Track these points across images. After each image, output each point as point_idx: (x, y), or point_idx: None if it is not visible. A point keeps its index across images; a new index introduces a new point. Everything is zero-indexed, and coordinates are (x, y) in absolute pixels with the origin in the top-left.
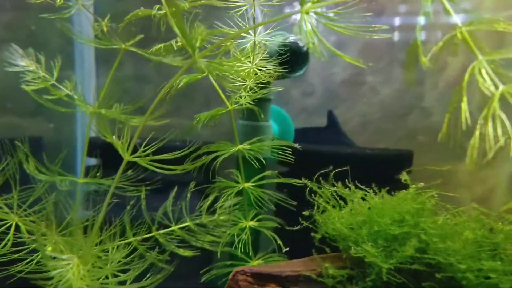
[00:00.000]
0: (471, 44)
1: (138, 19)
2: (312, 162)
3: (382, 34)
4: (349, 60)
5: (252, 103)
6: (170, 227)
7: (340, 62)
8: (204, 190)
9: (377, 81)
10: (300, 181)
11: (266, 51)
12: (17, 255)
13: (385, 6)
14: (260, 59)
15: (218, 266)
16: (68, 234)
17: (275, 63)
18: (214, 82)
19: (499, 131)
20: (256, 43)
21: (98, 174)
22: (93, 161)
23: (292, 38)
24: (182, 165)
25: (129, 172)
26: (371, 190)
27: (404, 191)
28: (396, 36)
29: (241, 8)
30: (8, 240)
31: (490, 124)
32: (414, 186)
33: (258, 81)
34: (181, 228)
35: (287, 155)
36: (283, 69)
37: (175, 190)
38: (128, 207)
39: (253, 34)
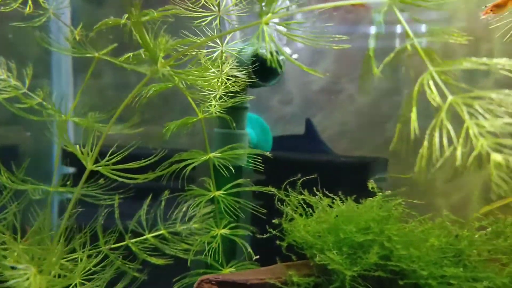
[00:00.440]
0: (422, 55)
1: (117, 27)
2: (289, 170)
3: (342, 44)
4: (307, 70)
5: (227, 111)
6: (144, 235)
7: (319, 70)
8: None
9: (355, 89)
10: (268, 189)
11: (236, 60)
12: None
13: (362, 15)
14: (231, 68)
15: (192, 275)
16: (36, 243)
17: (246, 72)
18: (185, 91)
19: (445, 141)
20: (224, 52)
21: (68, 182)
22: (71, 170)
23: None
24: (156, 172)
25: (101, 180)
26: (338, 198)
27: (371, 198)
28: (372, 44)
29: (207, 18)
30: None
31: (437, 134)
32: (380, 193)
33: (229, 90)
34: (155, 236)
35: (258, 163)
36: (254, 78)
37: (149, 198)
38: (102, 215)
39: (220, 44)
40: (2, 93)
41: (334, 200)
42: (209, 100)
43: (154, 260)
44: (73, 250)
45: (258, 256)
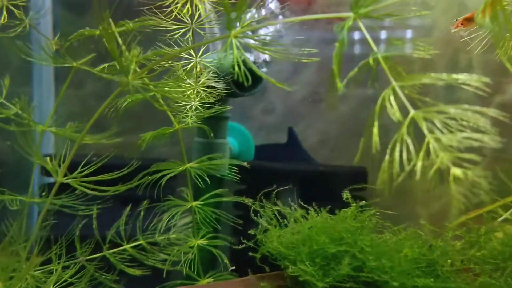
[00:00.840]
0: (386, 69)
1: (100, 36)
2: (271, 179)
3: (311, 57)
4: (274, 83)
5: (206, 121)
6: (122, 245)
7: (300, 80)
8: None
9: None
10: (243, 199)
11: (214, 71)
12: None
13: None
14: (208, 79)
15: (169, 286)
16: (8, 255)
17: (225, 83)
18: (155, 102)
19: (405, 156)
20: (198, 63)
21: (43, 193)
22: (52, 179)
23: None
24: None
25: (78, 190)
26: (312, 209)
27: (345, 209)
28: (355, 52)
29: (179, 31)
30: None
31: (397, 149)
32: (355, 204)
33: (204, 101)
34: (133, 247)
35: (236, 173)
36: (232, 88)
37: (128, 208)
38: (79, 225)
39: (194, 55)
40: None
41: (308, 211)
42: (185, 111)
43: (131, 271)
44: (49, 261)
45: (234, 267)
